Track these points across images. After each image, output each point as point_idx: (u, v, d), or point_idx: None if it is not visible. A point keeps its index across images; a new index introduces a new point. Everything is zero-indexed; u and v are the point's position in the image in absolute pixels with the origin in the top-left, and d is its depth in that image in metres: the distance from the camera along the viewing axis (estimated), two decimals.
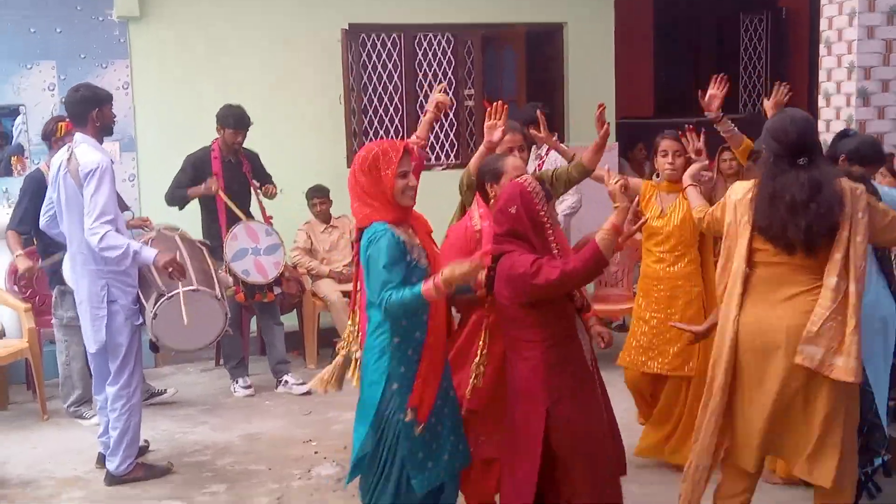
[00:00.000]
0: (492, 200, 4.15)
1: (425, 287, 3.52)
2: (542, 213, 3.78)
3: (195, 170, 6.72)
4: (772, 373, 3.88)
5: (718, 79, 4.71)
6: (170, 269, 5.00)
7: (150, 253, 5.00)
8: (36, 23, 7.43)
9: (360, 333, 3.82)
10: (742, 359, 3.95)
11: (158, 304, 5.01)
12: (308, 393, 6.70)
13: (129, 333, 5.16)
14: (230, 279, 6.43)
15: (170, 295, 5.03)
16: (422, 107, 8.46)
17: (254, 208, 6.96)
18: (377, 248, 3.57)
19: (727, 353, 3.97)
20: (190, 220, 6.76)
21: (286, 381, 6.89)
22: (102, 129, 5.21)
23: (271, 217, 6.95)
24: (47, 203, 5.36)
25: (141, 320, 5.14)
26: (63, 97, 7.43)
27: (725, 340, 3.97)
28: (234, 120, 6.69)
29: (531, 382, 3.74)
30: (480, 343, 4.01)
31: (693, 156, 4.91)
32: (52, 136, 6.22)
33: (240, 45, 7.89)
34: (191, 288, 5.08)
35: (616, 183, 3.84)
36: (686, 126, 4.96)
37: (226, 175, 6.72)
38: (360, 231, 3.70)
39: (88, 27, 7.56)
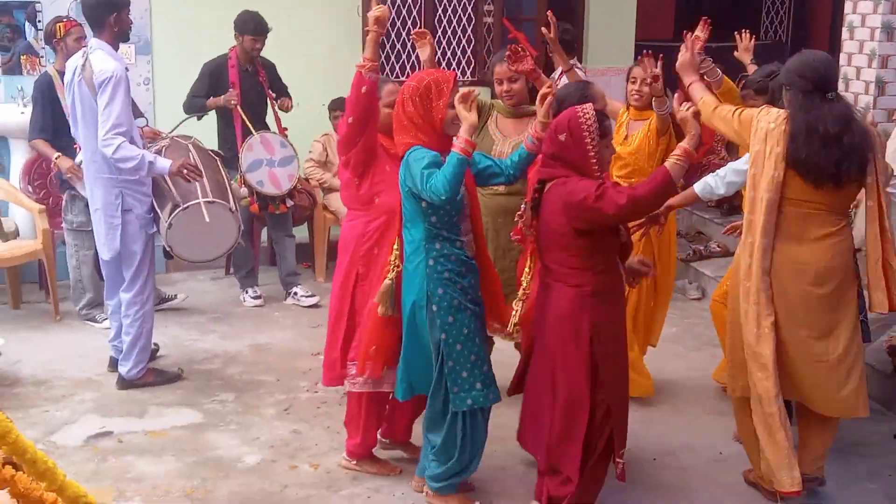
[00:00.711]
0: None
1: (457, 150, 3.64)
2: (591, 149, 3.70)
3: (212, 78, 6.68)
4: (804, 309, 3.96)
5: (704, 23, 4.63)
6: (185, 171, 5.03)
7: (164, 163, 5.01)
8: None
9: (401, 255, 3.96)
10: (776, 292, 3.97)
11: (174, 214, 5.05)
12: (316, 305, 6.79)
13: (143, 241, 5.20)
14: (243, 190, 6.45)
15: (185, 206, 5.06)
16: (440, 21, 8.35)
17: (269, 119, 6.94)
18: (417, 156, 3.71)
19: (761, 282, 3.94)
20: (206, 128, 6.75)
21: (295, 293, 6.95)
22: (119, 35, 5.16)
23: (286, 129, 6.93)
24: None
25: (155, 229, 5.18)
26: None
27: (755, 270, 3.95)
28: (254, 25, 6.62)
29: (576, 308, 3.76)
30: (527, 269, 4.04)
31: (649, 81, 4.81)
32: (53, 38, 6.17)
33: None
34: (206, 199, 5.10)
35: (688, 110, 3.88)
36: (644, 51, 4.88)
37: (243, 84, 6.68)
38: (401, 158, 3.81)
39: None
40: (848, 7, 6.86)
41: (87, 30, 5.83)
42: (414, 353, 3.96)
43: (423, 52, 4.58)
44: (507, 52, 4.50)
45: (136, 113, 5.83)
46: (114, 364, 5.52)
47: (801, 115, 3.87)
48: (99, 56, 5.00)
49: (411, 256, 3.88)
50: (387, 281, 3.96)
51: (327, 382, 4.51)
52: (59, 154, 6.06)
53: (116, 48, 5.17)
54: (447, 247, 3.82)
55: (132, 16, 7.14)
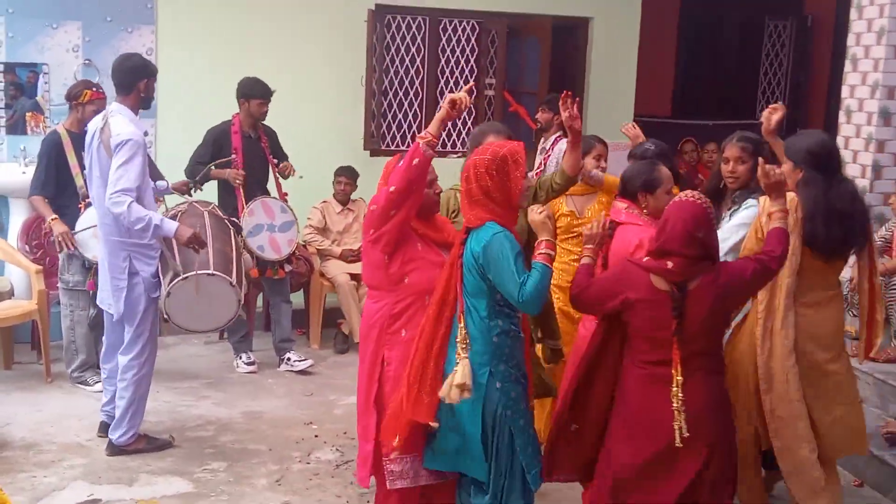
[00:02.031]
0: (644, 211, 4.19)
1: (541, 258, 3.63)
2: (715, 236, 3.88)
3: (216, 144, 6.73)
4: (823, 371, 4.28)
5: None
6: (191, 245, 5.04)
7: (171, 226, 5.01)
8: None
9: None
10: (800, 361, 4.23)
11: (173, 283, 5.03)
12: (308, 371, 6.77)
13: (146, 304, 5.18)
14: (250, 260, 6.46)
15: (185, 276, 5.04)
16: (442, 93, 8.44)
17: (270, 185, 6.98)
18: (501, 248, 3.61)
19: (788, 358, 4.20)
20: (206, 193, 6.79)
21: (289, 359, 6.91)
22: (144, 102, 5.24)
23: (287, 194, 6.97)
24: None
25: (158, 293, 5.16)
26: (87, 59, 7.48)
27: (779, 347, 4.20)
28: (261, 89, 6.70)
29: (727, 399, 3.86)
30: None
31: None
32: (75, 100, 6.22)
33: (264, 19, 7.86)
34: (207, 272, 5.08)
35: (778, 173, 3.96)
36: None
37: (245, 150, 6.73)
38: (468, 231, 3.73)
39: None
40: (845, 91, 6.94)
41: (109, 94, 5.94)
42: (450, 432, 3.78)
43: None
44: (567, 107, 4.50)
45: (157, 175, 5.85)
46: (104, 429, 5.46)
47: (819, 196, 4.10)
48: (119, 120, 5.05)
49: (473, 333, 3.72)
50: (465, 362, 3.68)
51: (362, 481, 4.22)
52: (56, 217, 6.07)
53: (137, 114, 5.21)
54: (507, 323, 3.74)
55: None
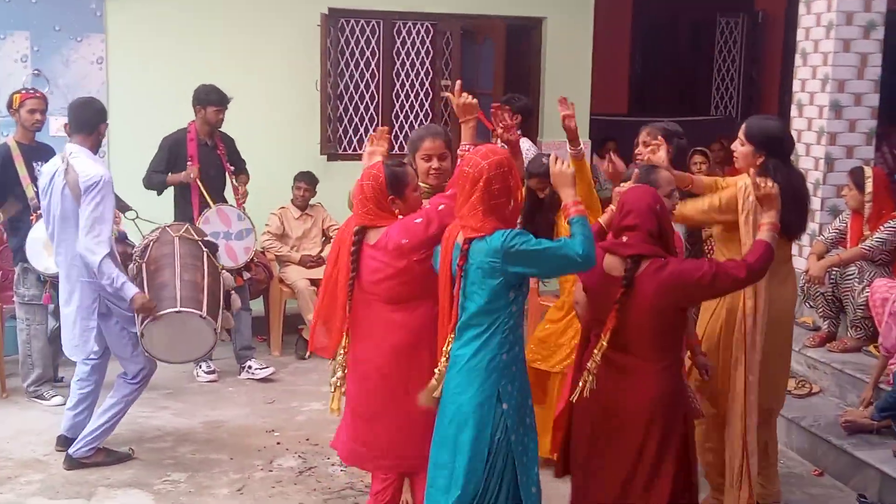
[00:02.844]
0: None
1: (576, 212, 3.51)
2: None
3: (171, 152, 6.67)
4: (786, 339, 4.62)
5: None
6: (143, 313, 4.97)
7: (129, 292, 4.92)
8: None
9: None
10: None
11: (144, 323, 4.96)
12: (270, 379, 6.72)
13: (127, 340, 5.15)
14: (233, 280, 6.38)
15: (152, 317, 4.96)
16: (397, 96, 8.42)
17: (228, 192, 6.92)
18: (522, 238, 3.45)
19: (757, 328, 4.37)
20: (163, 200, 6.75)
21: (250, 367, 6.86)
22: (100, 144, 5.22)
23: (243, 202, 6.91)
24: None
25: (136, 329, 5.07)
26: (36, 69, 7.38)
27: (750, 318, 4.35)
28: (217, 96, 6.66)
29: (678, 392, 3.78)
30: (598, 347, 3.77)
31: (501, 132, 4.37)
32: (10, 109, 6.14)
33: (217, 25, 7.81)
34: (173, 310, 4.99)
35: (772, 186, 3.95)
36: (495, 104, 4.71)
37: (201, 158, 6.68)
38: (469, 242, 3.51)
39: (64, 0, 7.44)
40: (796, 86, 7.02)
41: (54, 99, 5.83)
42: (445, 453, 3.62)
43: (377, 154, 4.24)
44: (500, 120, 4.29)
45: (125, 207, 5.77)
46: (62, 442, 5.37)
47: (786, 183, 4.14)
48: (83, 161, 4.97)
49: (477, 353, 3.53)
50: (431, 383, 3.59)
51: None
52: None
53: (95, 154, 5.15)
54: (514, 339, 3.59)
55: (90, 89, 7.23)
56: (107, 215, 4.91)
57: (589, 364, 3.67)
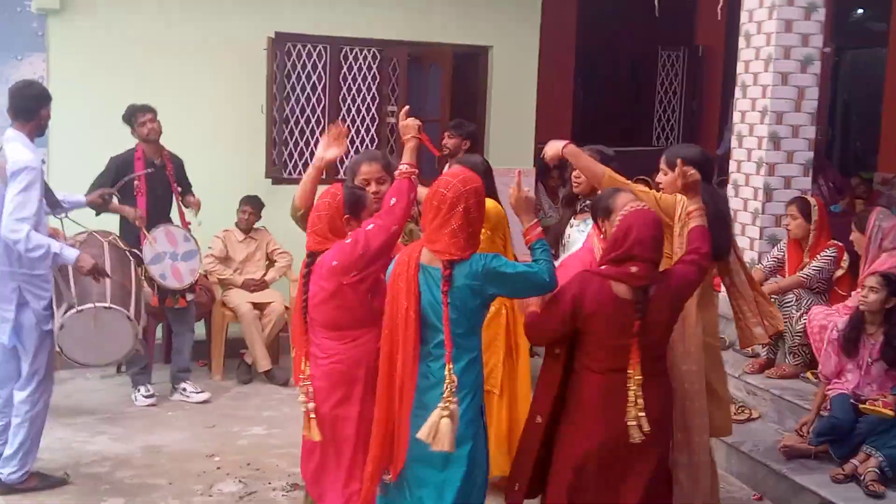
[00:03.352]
0: (602, 236, 4.08)
1: (537, 236, 3.67)
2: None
3: (118, 172, 6.57)
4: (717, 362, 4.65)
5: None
6: (92, 273, 4.86)
7: (71, 253, 4.82)
8: None
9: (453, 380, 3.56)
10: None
11: (66, 314, 4.85)
12: (208, 402, 6.67)
13: (37, 338, 4.99)
14: (150, 297, 6.31)
15: (79, 308, 4.86)
16: (343, 121, 8.41)
17: (174, 213, 6.86)
18: (498, 261, 3.57)
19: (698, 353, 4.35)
20: (107, 218, 6.63)
21: (184, 389, 6.80)
22: (41, 129, 5.11)
23: (189, 223, 6.86)
24: None
25: (51, 326, 4.97)
26: None
27: (695, 342, 4.32)
28: (134, 108, 6.62)
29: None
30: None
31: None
32: None
33: (161, 46, 7.73)
34: (103, 305, 4.92)
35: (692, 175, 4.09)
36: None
37: (148, 177, 6.62)
38: (450, 264, 3.53)
39: (6, 17, 7.34)
40: (736, 117, 7.17)
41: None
42: (432, 471, 3.64)
43: (334, 152, 4.32)
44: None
45: (54, 203, 5.66)
46: None
47: (710, 203, 4.23)
48: (14, 147, 4.88)
49: (465, 370, 3.59)
50: (446, 420, 3.49)
51: None
52: None
53: (33, 140, 5.04)
54: (480, 356, 3.71)
55: None
56: (31, 199, 4.77)
57: (633, 403, 3.69)
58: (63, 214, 5.57)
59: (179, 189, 6.85)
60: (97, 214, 6.56)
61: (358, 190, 4.11)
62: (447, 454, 3.53)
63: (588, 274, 3.82)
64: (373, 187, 4.37)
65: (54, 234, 5.49)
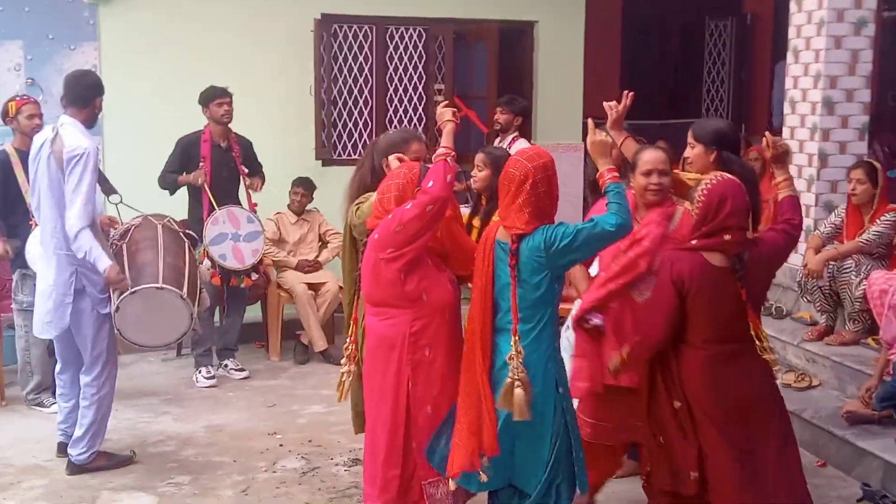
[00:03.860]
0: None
1: (612, 179, 3.63)
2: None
3: (184, 153, 6.75)
4: None
5: (625, 96, 4.87)
6: (115, 287, 4.94)
7: (103, 263, 4.88)
8: (4, 1, 7.31)
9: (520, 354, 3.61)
10: None
11: (122, 297, 4.93)
12: (247, 377, 6.88)
13: (94, 322, 5.08)
14: (207, 276, 6.41)
15: (133, 290, 4.93)
16: (391, 101, 8.43)
17: (242, 194, 6.97)
18: (557, 228, 3.57)
19: None
20: (178, 201, 6.84)
21: (226, 365, 6.96)
22: (94, 118, 5.18)
23: (256, 204, 6.95)
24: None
25: (108, 310, 5.07)
26: (30, 78, 7.38)
27: None
28: (214, 90, 6.75)
29: None
30: None
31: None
32: (6, 117, 6.12)
33: (209, 32, 7.81)
34: (156, 285, 4.98)
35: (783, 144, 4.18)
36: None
37: (214, 160, 6.74)
38: (518, 239, 3.60)
39: (57, 7, 7.44)
40: (788, 83, 7.07)
41: (48, 108, 5.81)
42: (525, 447, 3.70)
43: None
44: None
45: (109, 189, 5.76)
46: (62, 449, 5.34)
47: (744, 173, 4.20)
48: (71, 132, 4.95)
49: (531, 346, 3.61)
50: (518, 390, 3.55)
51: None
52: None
53: (88, 129, 5.12)
54: (556, 329, 3.72)
55: None
56: (89, 188, 4.85)
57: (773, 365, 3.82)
58: (119, 200, 5.67)
59: (246, 171, 6.95)
60: (171, 194, 6.73)
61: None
62: (516, 429, 3.59)
63: (676, 253, 3.83)
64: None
65: (110, 223, 5.59)
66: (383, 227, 3.91)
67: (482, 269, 3.72)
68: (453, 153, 3.97)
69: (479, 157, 5.06)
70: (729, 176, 3.87)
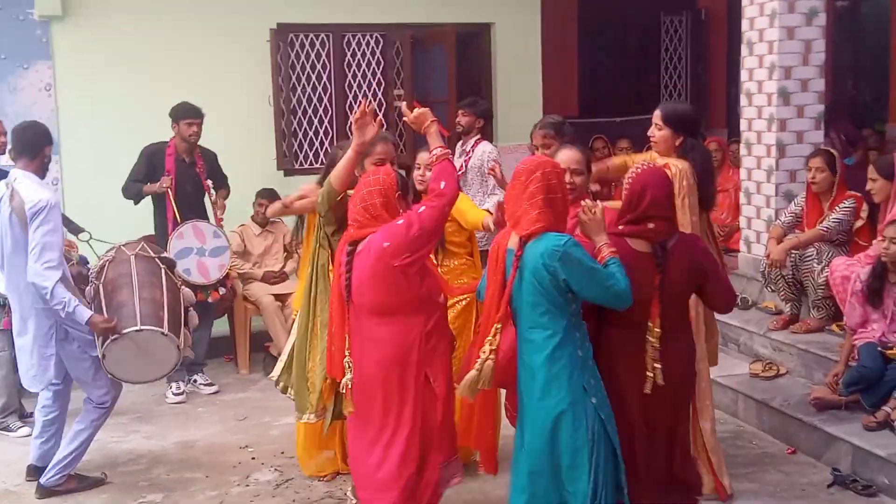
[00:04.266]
0: None
1: (611, 254, 3.62)
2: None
3: (149, 162, 6.70)
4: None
5: None
6: (103, 332, 4.88)
7: (83, 316, 4.83)
8: None
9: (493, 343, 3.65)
10: None
11: (105, 345, 4.88)
12: (217, 392, 6.84)
13: (89, 365, 5.04)
14: (192, 296, 6.34)
15: (113, 337, 4.87)
16: (351, 108, 8.42)
17: (208, 208, 6.94)
18: (582, 255, 3.54)
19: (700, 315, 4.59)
20: (143, 212, 6.82)
21: (195, 381, 6.92)
22: (45, 167, 5.10)
23: (222, 219, 6.91)
24: None
25: (97, 353, 4.99)
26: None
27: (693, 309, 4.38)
28: (186, 109, 6.69)
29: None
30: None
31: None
32: None
33: (166, 46, 7.76)
34: (133, 329, 4.89)
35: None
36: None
37: (178, 174, 6.69)
38: (524, 242, 3.58)
39: (9, 26, 7.38)
40: (744, 75, 7.14)
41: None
42: (547, 465, 3.65)
43: (371, 131, 4.36)
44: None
45: (76, 229, 5.68)
46: (32, 472, 5.27)
47: (704, 159, 4.45)
48: (27, 185, 4.89)
49: (553, 355, 3.57)
50: (473, 373, 3.62)
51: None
52: None
53: (41, 178, 5.06)
54: (583, 334, 3.66)
55: (39, 116, 7.12)
56: (55, 240, 4.81)
57: (650, 354, 3.76)
58: (88, 238, 5.60)
59: (211, 183, 6.91)
60: (135, 203, 6.66)
61: (401, 171, 4.21)
62: (551, 444, 3.60)
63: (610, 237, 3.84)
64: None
65: (70, 250, 5.50)
66: (395, 235, 3.86)
67: (494, 279, 3.71)
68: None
69: (423, 157, 4.93)
70: (655, 166, 3.96)
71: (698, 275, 3.87)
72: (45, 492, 5.14)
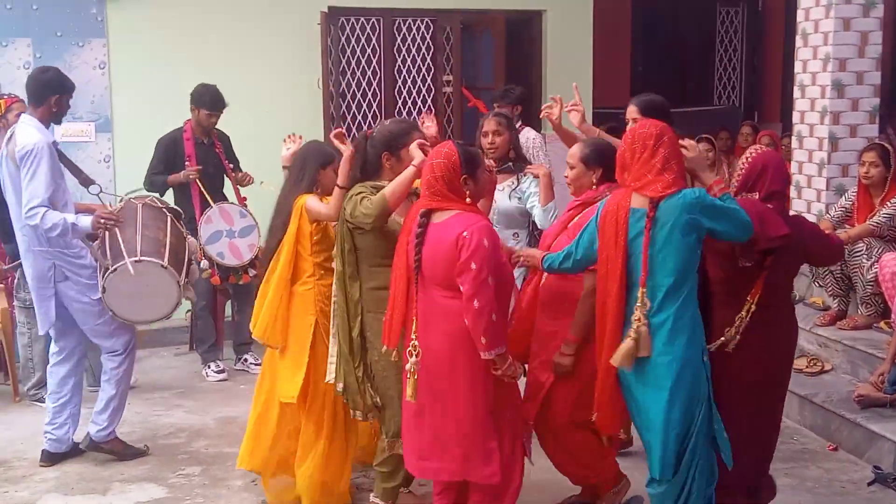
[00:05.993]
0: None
1: (718, 191, 3.71)
2: None
3: (168, 152, 6.70)
4: None
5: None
6: (101, 221, 4.91)
7: (86, 221, 4.89)
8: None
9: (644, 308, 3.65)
10: None
11: (105, 277, 4.92)
12: None
13: (91, 308, 5.08)
14: (204, 263, 6.40)
15: (114, 267, 4.90)
16: (399, 92, 8.43)
17: (228, 189, 6.94)
18: (710, 198, 3.64)
19: None
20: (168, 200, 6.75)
21: (245, 360, 6.96)
22: (55, 116, 5.13)
23: (245, 198, 6.92)
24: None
25: (98, 294, 5.06)
26: None
27: None
28: (209, 100, 6.65)
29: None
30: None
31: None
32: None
33: (218, 26, 7.84)
34: (133, 259, 4.90)
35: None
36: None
37: (199, 156, 6.71)
38: (657, 202, 3.60)
39: (65, 5, 7.50)
40: (798, 66, 7.02)
41: None
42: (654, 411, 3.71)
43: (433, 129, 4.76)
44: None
45: (86, 180, 5.75)
46: (46, 458, 5.27)
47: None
48: (24, 130, 4.94)
49: (678, 313, 3.63)
50: (629, 342, 3.62)
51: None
52: None
53: (47, 126, 5.10)
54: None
55: (93, 94, 7.23)
56: (41, 184, 4.83)
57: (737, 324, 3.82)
58: (98, 191, 5.61)
59: (230, 165, 6.92)
60: (161, 196, 6.68)
61: (470, 147, 4.03)
62: (670, 396, 3.61)
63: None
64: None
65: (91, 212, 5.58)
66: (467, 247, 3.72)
67: (612, 241, 3.68)
68: None
69: (491, 125, 5.20)
70: (765, 148, 4.10)
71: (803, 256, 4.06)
72: (91, 444, 5.26)
